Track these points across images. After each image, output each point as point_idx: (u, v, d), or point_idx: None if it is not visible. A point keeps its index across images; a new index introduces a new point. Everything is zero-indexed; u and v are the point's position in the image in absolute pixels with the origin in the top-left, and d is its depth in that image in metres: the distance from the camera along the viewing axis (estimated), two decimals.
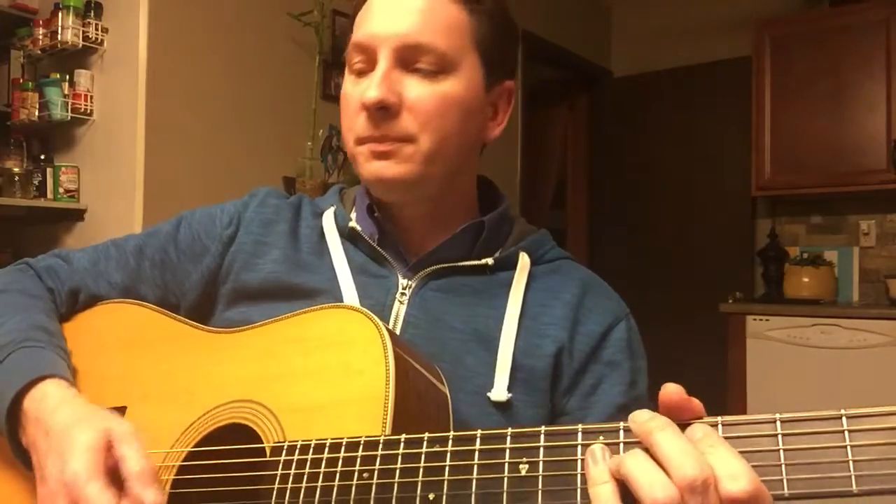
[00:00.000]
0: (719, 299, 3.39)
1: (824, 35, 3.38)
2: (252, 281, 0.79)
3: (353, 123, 0.74)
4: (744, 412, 3.43)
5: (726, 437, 0.44)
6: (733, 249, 3.86)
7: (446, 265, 0.77)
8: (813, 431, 0.43)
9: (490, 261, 0.77)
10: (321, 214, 0.84)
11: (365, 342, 0.62)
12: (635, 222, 4.19)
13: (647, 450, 0.44)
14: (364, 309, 0.66)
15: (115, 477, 0.59)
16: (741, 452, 0.43)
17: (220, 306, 0.81)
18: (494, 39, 0.77)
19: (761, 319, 3.24)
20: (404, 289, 0.76)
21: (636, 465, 0.43)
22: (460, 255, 0.78)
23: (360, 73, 0.74)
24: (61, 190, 2.37)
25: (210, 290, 0.82)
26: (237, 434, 0.64)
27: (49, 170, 2.40)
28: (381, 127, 0.72)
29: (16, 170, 2.36)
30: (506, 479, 0.49)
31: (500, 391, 0.70)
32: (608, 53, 4.53)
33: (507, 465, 0.49)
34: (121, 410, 0.74)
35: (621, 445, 0.46)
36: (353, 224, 0.80)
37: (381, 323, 0.63)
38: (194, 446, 0.66)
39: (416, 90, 0.72)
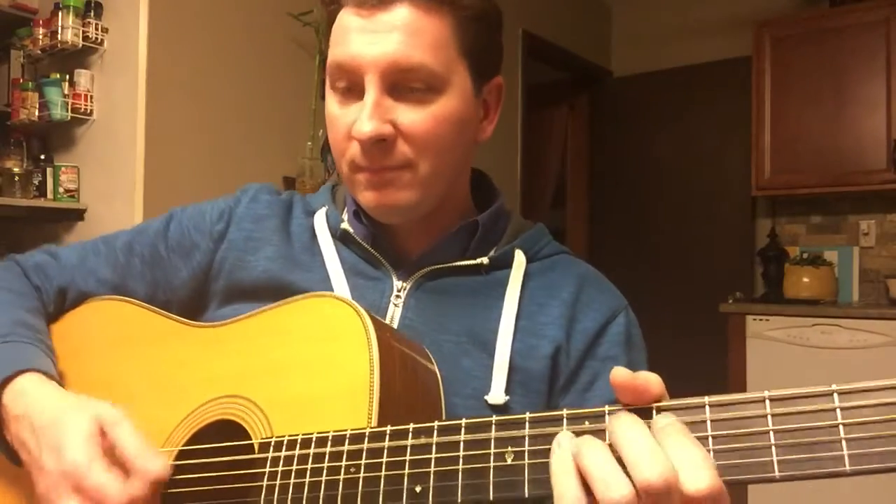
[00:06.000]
0: (719, 299, 3.39)
1: (824, 35, 3.38)
2: (245, 279, 0.78)
3: (344, 148, 0.71)
4: None
5: (714, 420, 0.43)
6: (733, 249, 3.86)
7: (441, 266, 0.76)
8: (803, 410, 0.42)
9: (485, 260, 0.76)
10: (313, 213, 0.82)
11: (348, 332, 0.61)
12: (635, 222, 4.19)
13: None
14: (346, 297, 0.66)
15: (113, 461, 0.59)
16: (729, 435, 0.43)
17: (213, 304, 0.80)
18: (480, 43, 0.73)
19: (761, 319, 3.24)
20: (399, 291, 0.75)
21: (596, 460, 0.43)
22: (455, 255, 0.77)
23: (345, 94, 0.71)
24: (61, 190, 2.37)
25: (201, 288, 0.81)
26: (226, 431, 0.64)
27: (49, 170, 2.40)
28: (376, 159, 0.69)
29: (16, 170, 2.36)
30: (492, 468, 0.48)
31: (497, 394, 0.69)
32: (608, 53, 4.53)
33: (492, 454, 0.49)
34: None
35: (606, 430, 0.45)
36: (345, 226, 0.79)
37: (363, 311, 0.63)
38: (184, 444, 0.66)
39: (410, 116, 0.68)
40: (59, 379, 0.73)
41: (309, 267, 0.77)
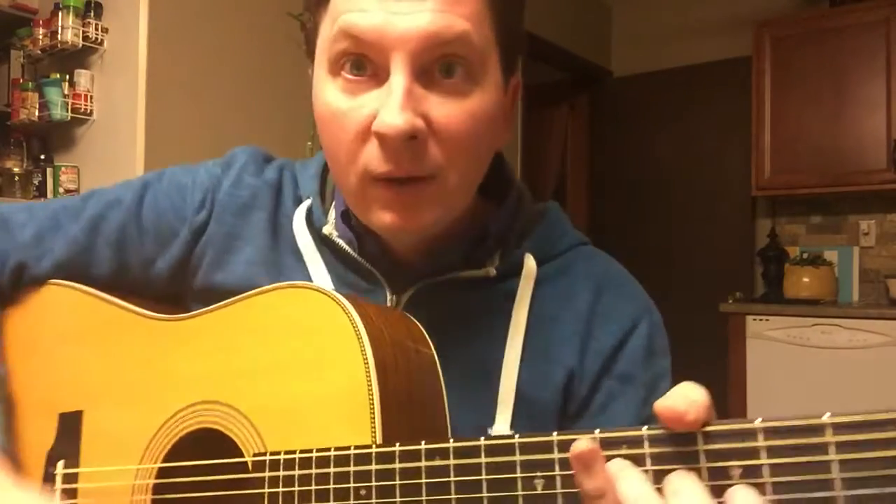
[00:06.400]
0: (719, 299, 3.39)
1: (824, 35, 3.38)
2: (221, 281, 0.69)
3: (355, 152, 0.56)
4: (744, 412, 3.38)
5: (769, 447, 0.38)
6: (733, 249, 3.86)
7: (441, 278, 0.64)
8: (871, 439, 0.36)
9: (492, 271, 0.65)
10: (301, 200, 0.71)
11: (334, 329, 0.54)
12: (635, 222, 4.19)
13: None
14: (325, 288, 0.57)
15: None
16: (787, 465, 0.38)
17: (192, 301, 0.72)
18: (511, 26, 0.60)
19: (761, 319, 3.24)
20: (394, 307, 0.65)
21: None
22: (456, 261, 0.65)
23: (354, 79, 0.56)
24: (61, 190, 2.37)
25: (180, 282, 0.72)
26: (210, 441, 0.58)
27: (49, 170, 2.40)
28: (404, 164, 0.54)
29: (16, 170, 2.36)
30: (520, 496, 0.43)
31: (501, 429, 0.61)
32: (608, 53, 4.52)
33: (519, 480, 0.44)
34: (76, 415, 0.68)
35: (647, 457, 0.41)
36: (327, 230, 0.67)
37: (346, 302, 0.55)
38: (165, 456, 0.61)
39: (444, 110, 0.55)
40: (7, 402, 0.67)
41: (293, 273, 0.68)
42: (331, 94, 0.57)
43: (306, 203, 0.70)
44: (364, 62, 0.55)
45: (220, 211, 0.71)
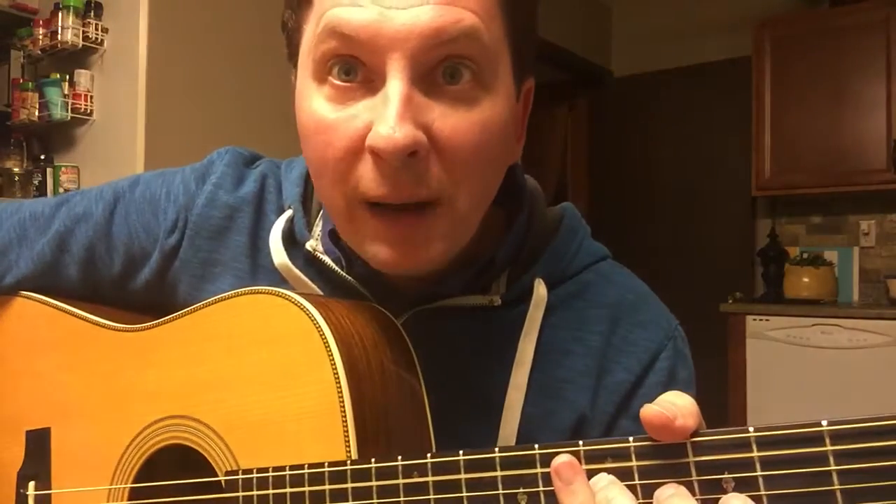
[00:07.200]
0: (719, 299, 3.39)
1: (824, 35, 3.38)
2: None
3: (344, 170, 0.49)
4: (744, 412, 3.37)
5: (764, 459, 0.36)
6: (733, 249, 3.86)
7: (439, 304, 0.58)
8: (873, 448, 0.34)
9: (497, 300, 0.58)
10: (284, 210, 0.64)
11: (300, 338, 0.51)
12: (635, 222, 4.18)
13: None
14: (288, 293, 0.53)
15: None
16: (783, 477, 0.35)
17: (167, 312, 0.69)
18: (527, 24, 0.53)
19: (761, 319, 3.24)
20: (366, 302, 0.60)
21: None
22: (459, 286, 0.58)
23: (343, 85, 0.49)
24: (61, 190, 2.36)
25: (158, 296, 0.67)
26: (181, 457, 0.57)
27: (49, 170, 2.40)
28: (403, 186, 0.47)
29: (16, 170, 2.36)
30: None
31: None
32: (608, 53, 4.52)
33: (501, 496, 0.41)
34: (44, 433, 0.66)
35: (634, 470, 0.39)
36: (311, 245, 0.60)
37: (310, 306, 0.51)
38: (137, 472, 0.60)
39: (449, 121, 0.48)
40: None
41: None
42: (316, 103, 0.51)
43: (286, 214, 0.63)
44: (355, 65, 0.48)
45: (194, 233, 0.65)
